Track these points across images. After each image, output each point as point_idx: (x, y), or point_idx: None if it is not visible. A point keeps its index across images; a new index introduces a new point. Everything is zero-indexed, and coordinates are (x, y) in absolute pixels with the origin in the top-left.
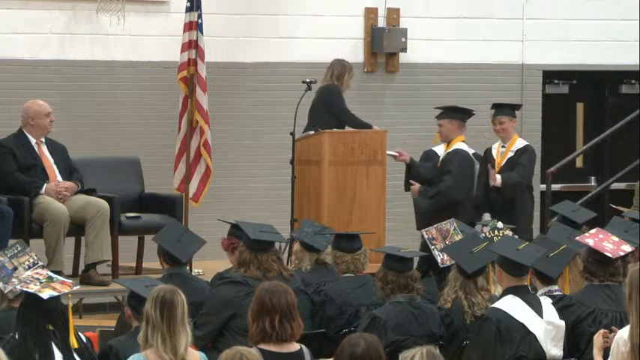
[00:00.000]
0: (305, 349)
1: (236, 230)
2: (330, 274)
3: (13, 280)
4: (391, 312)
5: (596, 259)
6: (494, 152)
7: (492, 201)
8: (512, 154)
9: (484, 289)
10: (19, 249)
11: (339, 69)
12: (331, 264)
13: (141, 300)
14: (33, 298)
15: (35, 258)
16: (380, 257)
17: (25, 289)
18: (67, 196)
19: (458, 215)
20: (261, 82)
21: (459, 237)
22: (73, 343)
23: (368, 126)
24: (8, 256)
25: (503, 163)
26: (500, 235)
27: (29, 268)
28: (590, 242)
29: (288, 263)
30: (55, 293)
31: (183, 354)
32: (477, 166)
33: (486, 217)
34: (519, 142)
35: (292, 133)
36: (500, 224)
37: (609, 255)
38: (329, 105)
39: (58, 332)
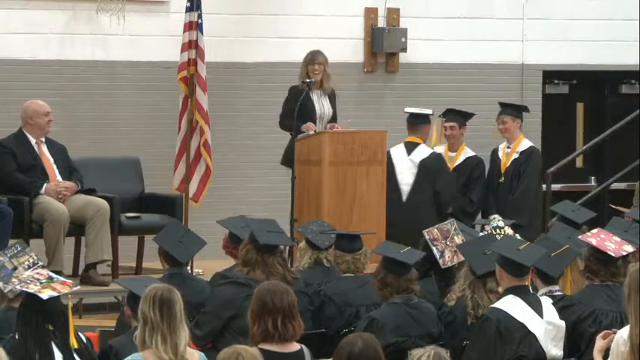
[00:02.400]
0: (305, 349)
1: (233, 236)
2: (329, 274)
3: (13, 280)
4: (389, 313)
5: (598, 259)
6: (500, 153)
7: (500, 201)
8: (517, 155)
9: (493, 291)
10: (19, 249)
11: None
12: (332, 264)
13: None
14: (33, 298)
15: (35, 258)
16: (380, 257)
17: (24, 289)
18: (66, 196)
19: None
20: (261, 82)
21: (459, 237)
22: (73, 343)
23: (291, 128)
24: (8, 256)
25: (509, 164)
26: (502, 233)
27: (29, 268)
28: (593, 241)
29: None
30: (55, 293)
31: (182, 352)
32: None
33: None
34: (524, 144)
35: (292, 133)
36: (501, 223)
37: (612, 254)
38: None
39: (58, 332)
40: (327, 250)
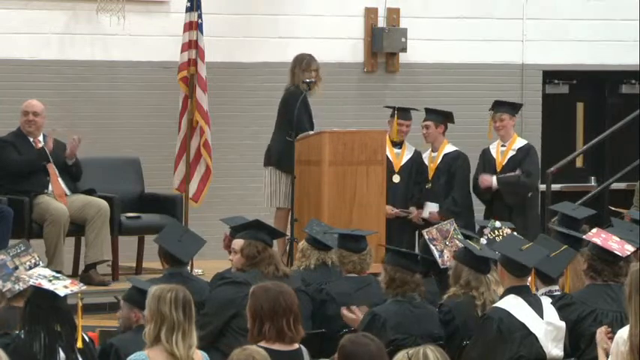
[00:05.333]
0: (303, 348)
1: (235, 232)
2: (332, 274)
3: (23, 276)
4: (391, 310)
5: (603, 258)
6: (493, 152)
7: (497, 205)
8: (514, 152)
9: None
10: (22, 249)
11: (291, 64)
12: (335, 264)
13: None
14: (43, 295)
15: (37, 259)
16: (380, 257)
17: (40, 286)
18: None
19: None
20: (261, 82)
21: (459, 237)
22: (79, 342)
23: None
24: (10, 255)
25: (505, 162)
26: (501, 234)
27: (30, 268)
28: (598, 241)
29: (288, 263)
30: (69, 291)
31: (192, 353)
32: None
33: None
34: (520, 141)
35: (292, 133)
36: (498, 223)
37: (618, 253)
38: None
39: (64, 333)
40: (331, 249)
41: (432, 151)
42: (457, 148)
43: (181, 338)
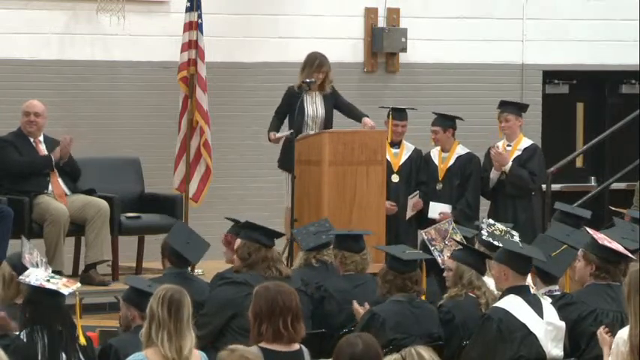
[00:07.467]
0: (304, 348)
1: (237, 229)
2: (321, 274)
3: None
4: (390, 310)
5: (609, 259)
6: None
7: (500, 203)
8: (520, 152)
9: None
10: (29, 247)
11: (303, 63)
12: (325, 262)
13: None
14: (47, 295)
15: (40, 257)
16: (381, 257)
17: (43, 286)
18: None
19: None
20: (261, 82)
21: (457, 236)
22: (82, 340)
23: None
24: (26, 253)
25: (511, 161)
26: (498, 229)
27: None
28: (606, 242)
29: (288, 264)
30: (70, 289)
31: (187, 355)
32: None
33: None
34: (526, 141)
35: (292, 133)
36: (491, 220)
37: (627, 254)
38: None
39: (65, 333)
40: (318, 250)
41: (443, 151)
42: (469, 150)
43: (167, 337)
